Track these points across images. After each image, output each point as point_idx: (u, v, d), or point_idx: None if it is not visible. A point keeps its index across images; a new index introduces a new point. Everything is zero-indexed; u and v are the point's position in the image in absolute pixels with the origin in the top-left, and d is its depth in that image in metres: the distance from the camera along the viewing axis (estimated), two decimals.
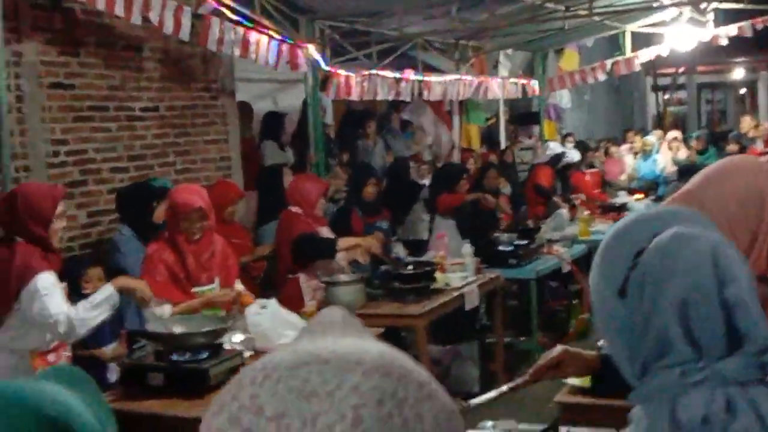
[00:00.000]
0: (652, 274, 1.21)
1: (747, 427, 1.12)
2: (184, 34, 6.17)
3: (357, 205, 6.98)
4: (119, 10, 5.66)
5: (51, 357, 3.91)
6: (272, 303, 4.57)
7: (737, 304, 1.16)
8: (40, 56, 5.95)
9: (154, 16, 5.91)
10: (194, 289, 4.61)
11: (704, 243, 1.22)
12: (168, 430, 3.79)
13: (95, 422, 0.88)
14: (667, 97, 21.26)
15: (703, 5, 9.43)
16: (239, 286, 4.93)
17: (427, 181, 8.76)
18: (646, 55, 10.94)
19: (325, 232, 5.87)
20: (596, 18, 9.59)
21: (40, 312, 3.77)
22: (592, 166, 11.26)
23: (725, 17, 10.37)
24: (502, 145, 12.50)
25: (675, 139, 12.12)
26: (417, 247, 7.48)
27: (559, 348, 2.51)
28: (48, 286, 3.82)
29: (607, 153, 11.80)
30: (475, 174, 8.71)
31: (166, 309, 4.45)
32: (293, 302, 5.11)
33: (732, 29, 10.01)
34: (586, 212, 9.34)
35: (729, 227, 1.61)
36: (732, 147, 11.45)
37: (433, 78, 9.49)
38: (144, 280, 4.32)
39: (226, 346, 4.13)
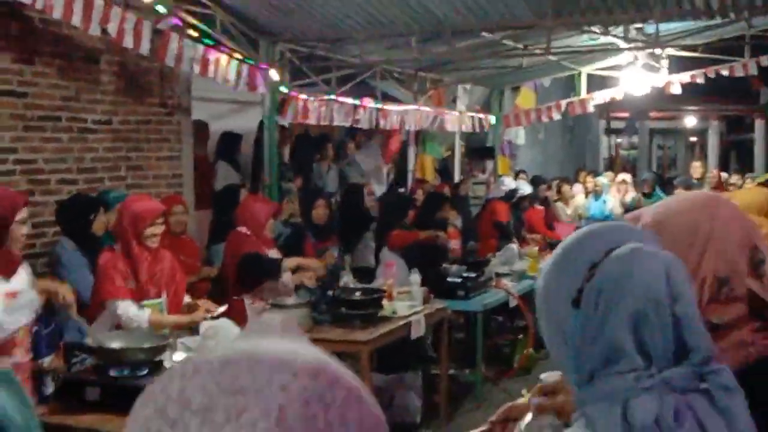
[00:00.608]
0: (609, 287, 1.25)
1: None
2: (144, 48, 6.14)
3: (308, 228, 6.97)
4: (77, 20, 5.61)
5: None
6: (225, 321, 4.55)
7: (686, 319, 1.23)
8: None
9: (112, 29, 5.87)
10: (143, 302, 4.57)
11: (659, 260, 1.27)
12: None
13: (23, 424, 0.86)
14: (619, 140, 21.66)
15: (657, 51, 9.62)
16: (188, 299, 4.92)
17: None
18: (600, 97, 11.14)
19: (274, 254, 5.84)
20: (553, 57, 9.74)
21: None
22: (545, 202, 11.37)
23: (679, 65, 10.61)
24: (456, 178, 12.58)
25: (623, 181, 12.34)
26: (365, 274, 7.47)
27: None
28: None
29: (559, 191, 11.94)
30: (421, 206, 8.68)
31: (145, 312, 4.40)
32: (238, 324, 5.07)
33: (684, 77, 10.23)
34: (536, 248, 9.41)
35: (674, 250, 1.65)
36: (679, 191, 11.66)
37: (390, 107, 9.55)
38: (67, 285, 4.24)
39: (167, 364, 4.06)
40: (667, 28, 8.76)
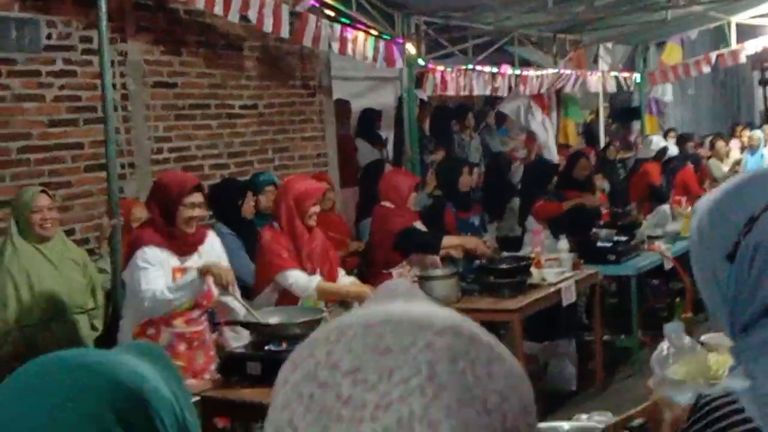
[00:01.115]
0: (766, 245, 1.20)
1: None
2: (284, 31, 6.27)
3: (451, 199, 6.93)
4: (218, 9, 5.78)
5: (150, 330, 4.07)
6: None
7: None
8: (144, 55, 6.14)
9: (252, 14, 6.02)
10: None
11: None
12: (265, 418, 3.85)
13: (171, 396, 0.90)
14: None
15: None
16: (346, 278, 5.02)
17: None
18: (752, 46, 10.56)
19: (419, 226, 5.87)
20: (699, 8, 9.30)
21: (133, 283, 4.02)
22: (695, 160, 10.90)
23: None
24: (602, 142, 12.25)
25: None
26: (510, 244, 7.40)
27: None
28: (148, 259, 4.02)
29: (712, 147, 11.42)
30: (563, 168, 8.42)
31: (315, 280, 4.57)
32: None
33: None
34: (689, 209, 9.06)
35: None
36: None
37: (530, 72, 9.38)
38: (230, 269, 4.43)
39: None
40: None
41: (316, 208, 4.79)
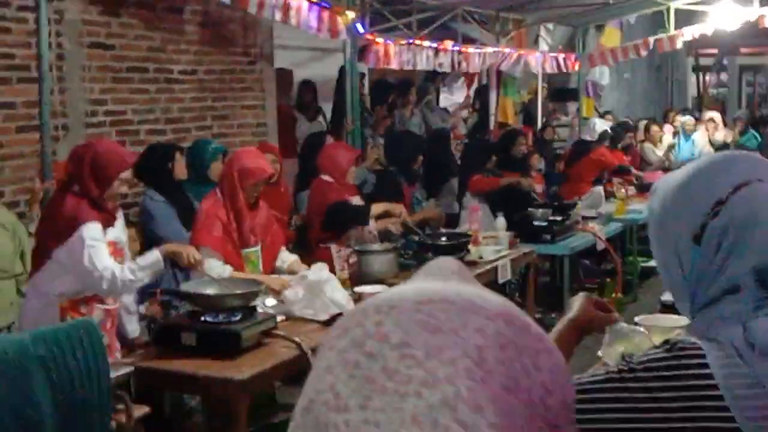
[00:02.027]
0: (733, 231, 1.22)
1: None
2: None
3: (402, 173, 6.94)
4: None
5: (83, 308, 3.95)
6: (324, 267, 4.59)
7: None
8: (82, 15, 5.96)
9: None
10: (243, 251, 4.65)
11: None
12: (200, 389, 3.82)
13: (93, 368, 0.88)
14: (708, 78, 20.94)
15: None
16: (286, 254, 4.99)
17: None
18: (689, 33, 10.73)
19: (357, 201, 5.86)
20: None
21: (87, 263, 3.82)
22: (628, 147, 11.05)
23: None
24: (539, 122, 12.37)
25: (711, 120, 11.93)
26: (448, 221, 7.43)
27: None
28: (95, 236, 3.90)
29: (647, 131, 11.61)
30: (497, 145, 8.48)
31: (227, 270, 4.49)
32: None
33: None
34: (623, 190, 9.23)
35: None
36: None
37: (472, 49, 9.39)
38: (192, 244, 4.36)
39: (259, 309, 4.13)
40: None
41: (259, 187, 4.75)
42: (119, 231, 4.11)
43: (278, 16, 6.69)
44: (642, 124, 11.88)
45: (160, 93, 6.61)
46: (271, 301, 4.39)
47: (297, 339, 3.93)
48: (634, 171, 9.88)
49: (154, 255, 4.00)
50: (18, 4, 5.46)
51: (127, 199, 6.17)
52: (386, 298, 0.75)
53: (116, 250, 4.02)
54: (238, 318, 3.91)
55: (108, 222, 4.04)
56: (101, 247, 3.89)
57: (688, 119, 11.90)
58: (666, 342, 1.25)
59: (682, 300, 1.31)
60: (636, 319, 2.90)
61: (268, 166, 4.84)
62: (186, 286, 4.21)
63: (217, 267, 4.46)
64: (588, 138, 9.83)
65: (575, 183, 9.12)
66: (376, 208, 5.83)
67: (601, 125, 10.20)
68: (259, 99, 7.66)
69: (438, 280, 0.79)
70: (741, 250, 1.22)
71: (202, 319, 3.92)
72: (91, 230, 3.89)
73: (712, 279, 1.24)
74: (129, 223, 4.93)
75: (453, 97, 11.29)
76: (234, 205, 4.65)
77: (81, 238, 3.85)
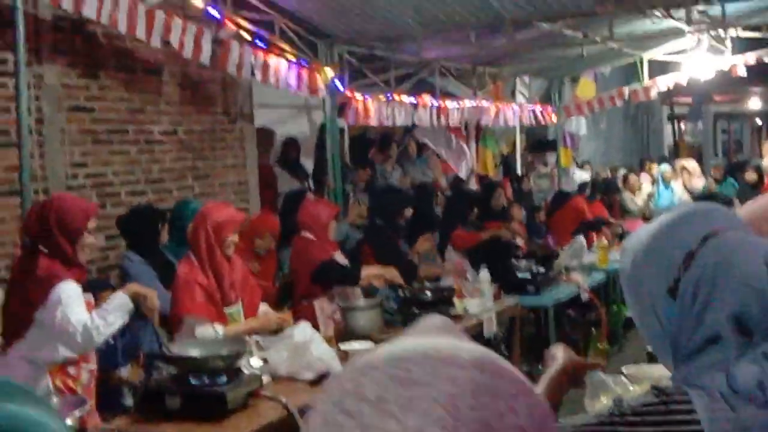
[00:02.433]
0: (707, 281, 1.24)
1: None
2: (205, 58, 6.19)
3: (392, 228, 6.94)
4: (140, 32, 5.67)
5: (71, 370, 3.89)
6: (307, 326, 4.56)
7: None
8: (61, 79, 5.97)
9: (174, 40, 5.93)
10: (225, 309, 4.61)
11: (757, 248, 1.26)
12: None
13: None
14: (683, 126, 21.23)
15: (721, 33, 9.39)
16: (263, 307, 4.95)
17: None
18: (663, 83, 10.90)
19: (339, 257, 5.84)
20: (614, 45, 9.56)
21: (60, 320, 3.78)
22: (606, 196, 11.11)
23: (741, 46, 10.32)
24: (519, 173, 12.45)
25: (684, 168, 12.03)
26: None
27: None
28: (71, 295, 3.85)
29: (625, 181, 11.71)
30: (478, 198, 8.56)
31: (219, 329, 4.45)
32: None
33: (751, 58, 9.96)
34: (605, 240, 9.25)
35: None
36: (750, 175, 11.35)
37: (450, 103, 9.48)
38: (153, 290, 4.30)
39: (245, 370, 4.08)
40: (731, 8, 8.52)
41: (235, 237, 4.69)
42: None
43: (258, 76, 6.74)
44: (621, 173, 11.99)
45: (140, 154, 6.61)
46: (256, 362, 4.33)
47: (283, 400, 3.87)
48: (612, 221, 9.91)
49: (120, 296, 3.94)
50: None
51: (109, 261, 6.15)
52: (366, 359, 0.79)
53: (91, 307, 3.97)
54: (223, 380, 3.85)
55: (82, 278, 3.99)
56: (76, 302, 3.84)
57: (665, 168, 12.02)
58: (655, 388, 1.26)
59: (664, 353, 1.32)
60: (623, 369, 2.89)
61: (237, 213, 4.79)
62: (169, 349, 4.15)
63: (209, 333, 4.41)
64: (567, 189, 9.90)
65: (556, 233, 9.16)
66: (370, 271, 5.79)
67: (580, 175, 10.29)
68: (240, 158, 7.67)
69: (420, 336, 0.82)
70: (717, 300, 1.23)
71: (187, 381, 3.86)
72: (67, 289, 3.84)
73: (692, 330, 1.25)
74: (111, 287, 4.89)
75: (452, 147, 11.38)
76: (212, 263, 4.59)
77: (56, 299, 3.80)
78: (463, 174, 11.43)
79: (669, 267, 1.28)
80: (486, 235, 7.56)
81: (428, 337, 0.81)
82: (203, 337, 4.30)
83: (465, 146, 11.63)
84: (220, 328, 4.48)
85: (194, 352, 3.99)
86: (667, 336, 1.28)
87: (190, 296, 4.50)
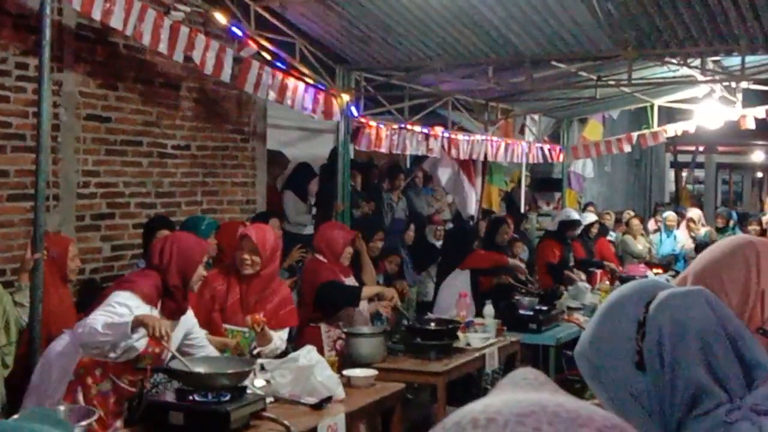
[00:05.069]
0: (665, 339, 1.27)
1: None
2: (225, 75, 6.21)
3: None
4: (163, 47, 5.70)
5: (97, 371, 4.04)
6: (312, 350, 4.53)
7: (740, 336, 1.27)
8: (80, 87, 5.99)
9: (196, 56, 5.95)
10: (226, 326, 4.60)
11: (695, 294, 1.32)
12: None
13: None
14: (684, 174, 21.31)
15: (733, 84, 9.45)
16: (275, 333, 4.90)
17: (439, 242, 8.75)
18: (672, 130, 10.95)
19: (351, 282, 5.81)
20: (627, 90, 9.62)
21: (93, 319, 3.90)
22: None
23: (749, 98, 10.34)
24: (522, 209, 12.46)
25: (690, 219, 11.92)
26: (424, 307, 7.41)
27: None
28: (120, 302, 3.97)
29: (627, 224, 11.69)
30: (485, 232, 8.61)
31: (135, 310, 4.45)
32: None
33: (760, 111, 9.99)
34: (606, 282, 9.24)
35: (722, 288, 1.70)
36: (753, 227, 11.35)
37: (460, 136, 9.51)
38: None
39: (249, 390, 4.05)
40: (747, 60, 8.58)
41: (202, 271, 4.36)
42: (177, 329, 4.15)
43: (273, 95, 6.77)
44: (626, 216, 11.98)
45: (152, 167, 6.61)
46: (260, 382, 4.31)
47: (286, 422, 3.85)
48: (609, 265, 9.84)
49: (125, 319, 3.89)
50: (17, 74, 5.49)
51: (114, 271, 6.13)
52: (482, 410, 0.72)
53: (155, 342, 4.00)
54: (227, 398, 3.82)
55: (171, 314, 4.14)
56: (116, 311, 3.89)
57: (670, 214, 12.01)
58: None
59: (650, 428, 1.30)
60: None
61: (205, 243, 4.67)
62: (175, 364, 4.13)
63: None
64: (549, 229, 9.90)
65: (540, 276, 9.20)
66: (369, 290, 5.79)
67: (572, 214, 10.13)
68: (250, 176, 7.67)
69: (530, 391, 0.77)
70: (680, 349, 1.26)
71: (191, 397, 3.83)
72: (120, 296, 3.95)
73: (672, 394, 1.26)
74: None
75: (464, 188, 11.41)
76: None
77: (109, 299, 3.94)
78: (471, 210, 11.46)
79: (626, 341, 1.30)
80: (497, 259, 7.62)
81: (542, 393, 0.78)
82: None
83: (471, 184, 11.65)
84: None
85: (200, 369, 3.96)
86: (653, 414, 1.28)
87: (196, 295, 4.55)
